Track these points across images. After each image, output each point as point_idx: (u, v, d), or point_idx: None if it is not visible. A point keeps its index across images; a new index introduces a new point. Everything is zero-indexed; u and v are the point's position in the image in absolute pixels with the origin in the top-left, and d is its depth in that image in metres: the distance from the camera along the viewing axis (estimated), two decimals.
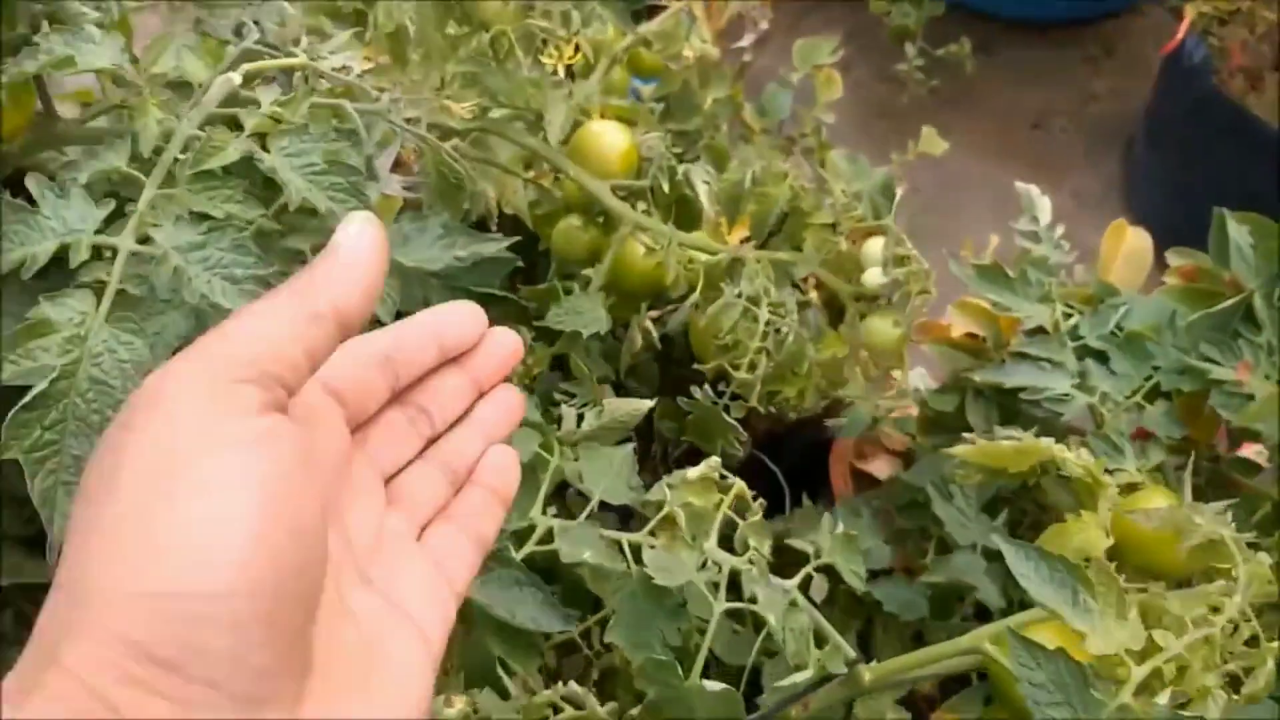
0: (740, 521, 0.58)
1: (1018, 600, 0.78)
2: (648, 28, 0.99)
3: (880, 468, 1.11)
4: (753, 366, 0.60)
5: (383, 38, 0.80)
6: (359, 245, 0.33)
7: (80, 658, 0.26)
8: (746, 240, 1.10)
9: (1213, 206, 1.41)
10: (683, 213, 0.79)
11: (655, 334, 0.91)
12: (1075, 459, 0.59)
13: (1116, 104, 1.67)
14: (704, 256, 0.65)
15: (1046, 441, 0.60)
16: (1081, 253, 1.57)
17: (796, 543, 0.58)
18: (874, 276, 0.63)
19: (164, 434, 0.28)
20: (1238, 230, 0.78)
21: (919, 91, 1.53)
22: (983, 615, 0.78)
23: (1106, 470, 0.70)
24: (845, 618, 0.83)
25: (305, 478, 0.29)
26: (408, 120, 0.56)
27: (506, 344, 0.40)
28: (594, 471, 0.59)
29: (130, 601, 0.26)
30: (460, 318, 0.39)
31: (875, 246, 0.65)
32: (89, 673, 0.26)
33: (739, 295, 0.61)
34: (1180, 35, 1.26)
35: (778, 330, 0.61)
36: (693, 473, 0.58)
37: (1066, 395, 0.74)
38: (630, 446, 0.61)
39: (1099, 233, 1.57)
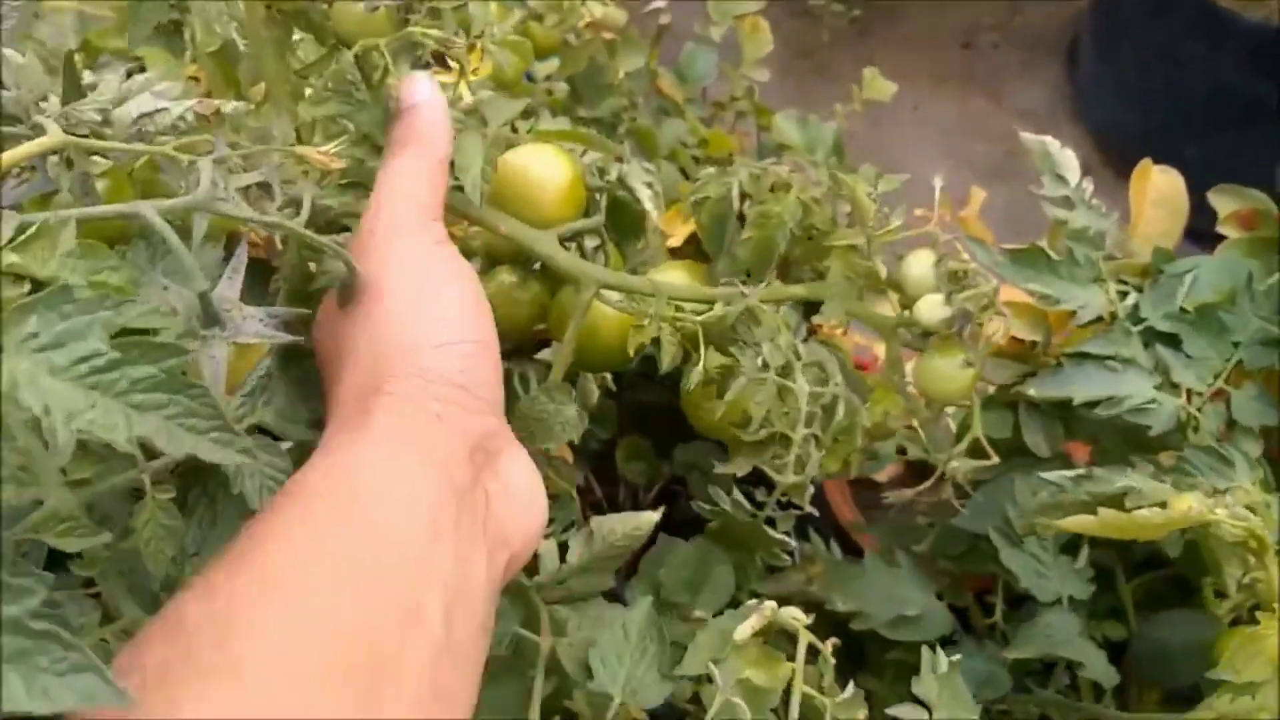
0: (819, 697, 0.41)
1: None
2: None
3: (883, 471, 0.97)
4: (801, 464, 0.43)
5: (204, 58, 0.60)
6: (435, 100, 0.44)
7: (402, 386, 0.38)
8: (693, 243, 0.93)
9: (1182, 108, 1.29)
10: (619, 220, 0.62)
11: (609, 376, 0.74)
12: (1233, 520, 0.44)
13: (1045, 11, 1.53)
14: (694, 306, 0.48)
15: (1197, 505, 0.44)
16: None
17: (900, 712, 0.42)
18: (933, 309, 0.46)
19: (406, 255, 0.41)
20: None
21: (839, 24, 1.36)
22: (1076, 681, 0.63)
23: (1217, 490, 0.56)
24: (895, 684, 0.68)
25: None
26: (248, 190, 0.37)
27: None
28: (605, 653, 0.42)
29: (432, 349, 0.39)
30: None
31: (920, 265, 0.48)
32: (412, 393, 0.38)
33: (763, 365, 0.44)
34: None
35: (820, 401, 0.45)
36: (743, 630, 0.42)
37: (1152, 402, 0.59)
38: (648, 603, 0.44)
39: None
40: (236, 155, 0.37)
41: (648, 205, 0.66)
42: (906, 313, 0.49)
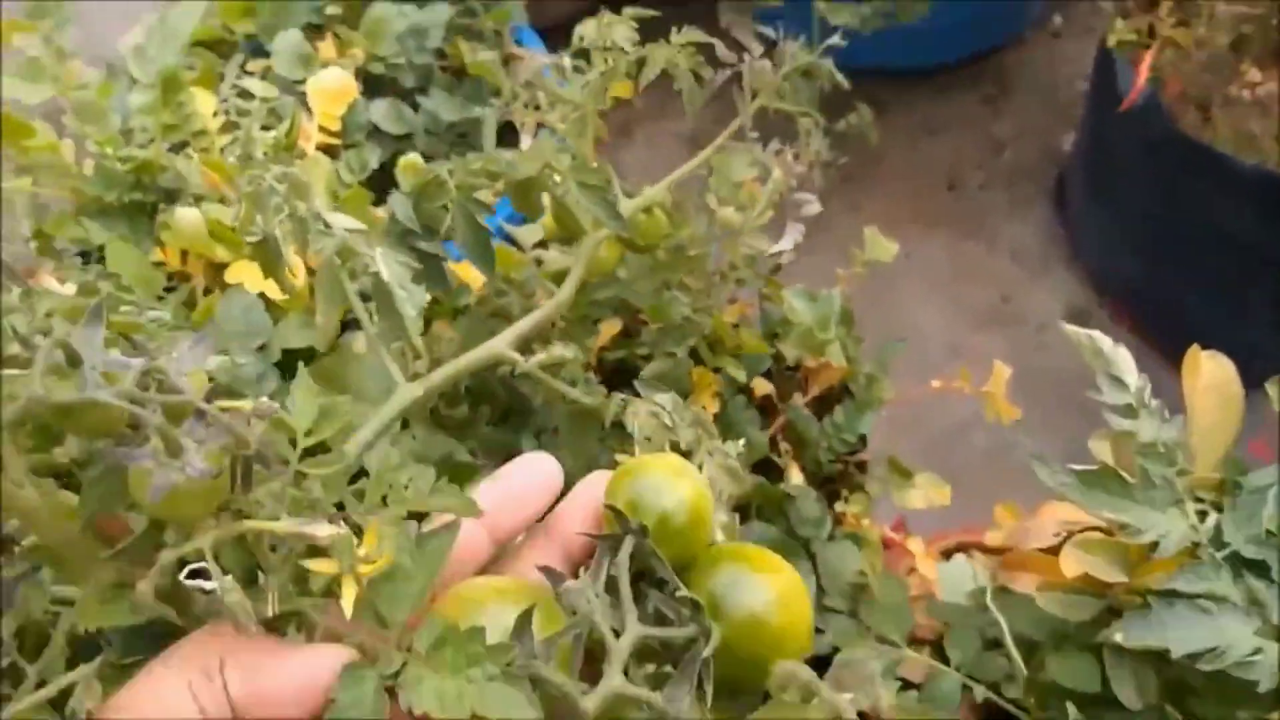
0: None
1: None
2: (648, 197, 0.72)
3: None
4: None
5: None
6: None
7: None
8: None
9: (1182, 254, 1.26)
10: None
11: None
12: None
13: (1030, 148, 1.52)
14: None
15: None
16: (1043, 318, 1.39)
17: None
18: None
19: None
20: None
21: (828, 174, 1.33)
22: None
23: None
24: None
25: None
26: None
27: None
28: None
29: None
30: None
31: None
32: None
33: None
34: (1141, 80, 1.10)
35: None
36: None
37: (1256, 653, 0.53)
38: None
39: (1053, 296, 1.40)
40: None
41: (718, 531, 0.59)
42: None
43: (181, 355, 0.25)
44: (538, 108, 1.41)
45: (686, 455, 0.56)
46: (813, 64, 0.71)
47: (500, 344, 0.67)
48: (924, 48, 1.53)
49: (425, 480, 0.29)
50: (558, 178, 0.66)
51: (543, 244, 0.98)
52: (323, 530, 0.27)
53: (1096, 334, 0.66)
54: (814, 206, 0.71)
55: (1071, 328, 0.67)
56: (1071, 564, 0.56)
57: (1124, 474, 0.57)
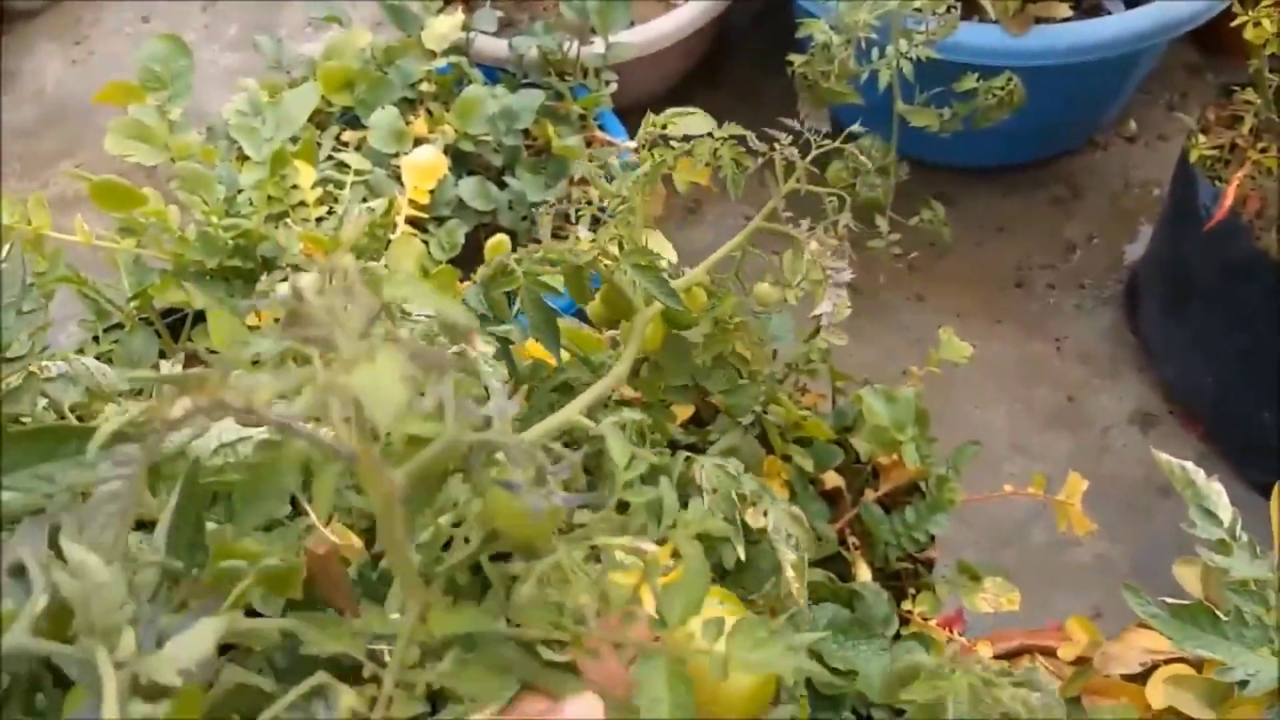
0: None
1: None
2: (689, 279, 0.76)
3: None
4: None
5: None
6: None
7: None
8: None
9: (1261, 373, 1.25)
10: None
11: None
12: None
13: (1100, 252, 1.52)
14: None
15: None
16: (1109, 421, 1.39)
17: None
18: None
19: None
20: None
21: (896, 266, 1.34)
22: None
23: None
24: None
25: None
26: None
27: None
28: None
29: None
30: None
31: None
32: None
33: None
34: (1228, 201, 1.10)
35: None
36: None
37: None
38: None
39: (1121, 401, 1.40)
40: None
41: (787, 567, 0.60)
42: None
43: (501, 404, 0.29)
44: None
45: (751, 505, 0.59)
46: (889, 162, 0.74)
47: (571, 412, 0.69)
48: (997, 148, 1.55)
49: None
50: (611, 262, 0.69)
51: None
52: (650, 547, 0.32)
53: (1189, 465, 0.66)
54: (847, 274, 0.73)
55: (1165, 456, 0.67)
56: (1159, 697, 0.56)
57: (1217, 610, 0.57)
